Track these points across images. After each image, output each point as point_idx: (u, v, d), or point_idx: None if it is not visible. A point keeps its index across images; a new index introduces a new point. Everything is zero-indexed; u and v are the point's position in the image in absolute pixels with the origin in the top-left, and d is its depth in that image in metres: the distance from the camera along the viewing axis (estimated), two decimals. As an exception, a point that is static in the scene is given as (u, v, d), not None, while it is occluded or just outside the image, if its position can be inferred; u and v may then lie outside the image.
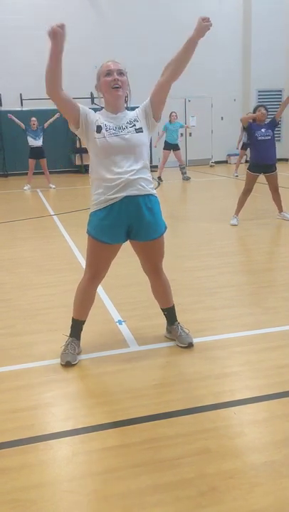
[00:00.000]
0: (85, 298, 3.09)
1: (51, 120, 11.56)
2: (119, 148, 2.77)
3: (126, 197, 2.80)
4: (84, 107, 2.83)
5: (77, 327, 3.15)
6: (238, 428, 2.36)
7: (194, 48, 2.75)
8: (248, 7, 15.96)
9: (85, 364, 3.06)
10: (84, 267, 3.09)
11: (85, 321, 3.17)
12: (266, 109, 6.76)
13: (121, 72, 2.78)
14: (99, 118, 2.82)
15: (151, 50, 14.99)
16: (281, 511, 1.85)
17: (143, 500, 1.92)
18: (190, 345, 3.19)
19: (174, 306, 3.31)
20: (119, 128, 2.80)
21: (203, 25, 2.67)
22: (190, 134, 16.31)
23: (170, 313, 3.31)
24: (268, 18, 15.88)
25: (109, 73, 2.76)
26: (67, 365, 3.00)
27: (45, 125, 11.70)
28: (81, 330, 3.17)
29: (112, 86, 2.75)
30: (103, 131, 2.77)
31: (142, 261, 3.12)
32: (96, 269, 3.00)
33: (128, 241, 3.00)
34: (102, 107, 2.90)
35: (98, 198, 2.84)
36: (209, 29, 2.68)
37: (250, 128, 6.71)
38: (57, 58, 2.58)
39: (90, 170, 2.92)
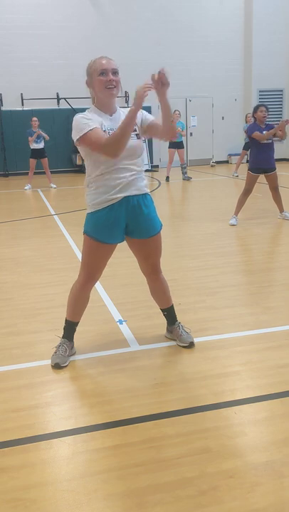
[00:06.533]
0: (80, 299, 3.07)
1: (42, 135, 11.54)
2: (125, 151, 2.70)
3: (126, 197, 2.80)
4: (96, 125, 2.69)
5: (70, 328, 3.14)
6: (238, 428, 2.36)
7: (165, 104, 2.70)
8: (249, 7, 15.95)
9: (85, 363, 3.06)
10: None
11: (78, 322, 3.15)
12: (267, 109, 6.75)
13: (115, 72, 2.73)
14: (101, 121, 2.74)
15: (152, 49, 15.00)
16: (281, 511, 1.85)
17: (143, 500, 1.92)
18: (191, 345, 3.19)
19: (173, 305, 3.31)
20: None
21: (157, 79, 2.58)
22: (191, 134, 16.30)
23: (170, 313, 3.30)
24: (269, 17, 15.88)
25: (103, 72, 2.70)
26: (56, 367, 2.99)
27: (37, 133, 11.60)
28: (74, 331, 3.16)
29: (106, 86, 2.71)
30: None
31: (141, 260, 3.10)
32: (92, 270, 2.98)
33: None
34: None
35: (97, 197, 2.81)
36: (167, 83, 2.60)
37: (252, 130, 6.68)
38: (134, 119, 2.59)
39: (87, 170, 2.86)
